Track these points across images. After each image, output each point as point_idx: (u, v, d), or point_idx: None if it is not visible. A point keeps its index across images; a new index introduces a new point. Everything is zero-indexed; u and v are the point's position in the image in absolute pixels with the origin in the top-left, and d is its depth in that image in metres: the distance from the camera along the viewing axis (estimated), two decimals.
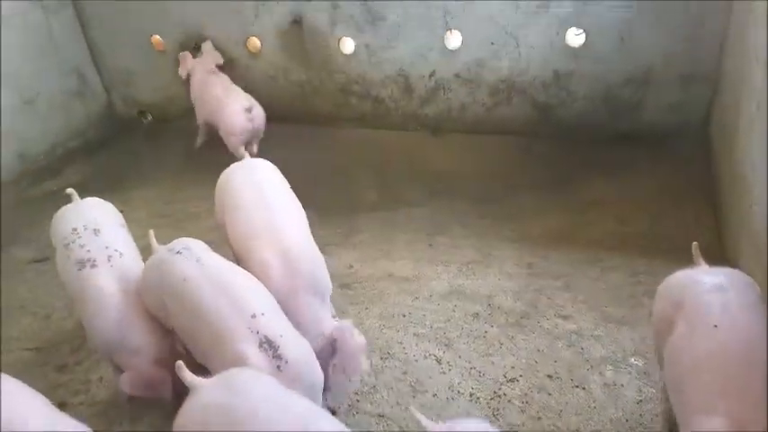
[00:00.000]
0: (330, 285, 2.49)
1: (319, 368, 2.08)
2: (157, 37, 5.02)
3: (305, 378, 2.01)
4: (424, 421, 1.70)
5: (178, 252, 2.27)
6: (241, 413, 1.65)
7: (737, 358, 1.69)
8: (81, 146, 4.98)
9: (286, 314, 2.24)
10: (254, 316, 2.04)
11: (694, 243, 2.12)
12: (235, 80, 5.00)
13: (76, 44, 5.02)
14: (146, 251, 2.71)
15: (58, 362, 2.83)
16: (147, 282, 2.33)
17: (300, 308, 2.32)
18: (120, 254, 2.47)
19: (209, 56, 4.62)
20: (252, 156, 4.11)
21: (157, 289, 2.26)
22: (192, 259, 2.23)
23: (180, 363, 1.87)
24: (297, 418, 1.65)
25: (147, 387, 2.31)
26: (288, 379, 1.92)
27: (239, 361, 1.93)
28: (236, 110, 4.14)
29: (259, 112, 4.18)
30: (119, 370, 2.50)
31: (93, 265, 2.40)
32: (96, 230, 2.51)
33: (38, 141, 4.69)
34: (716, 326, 1.76)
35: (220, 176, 2.84)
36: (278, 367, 1.96)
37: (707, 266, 2.05)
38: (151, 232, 2.55)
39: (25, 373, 2.75)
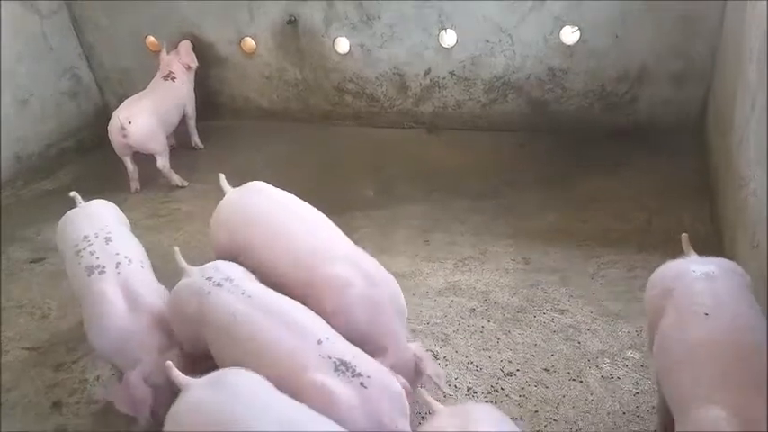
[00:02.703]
0: (404, 305, 2.32)
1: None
2: (152, 38, 5.02)
3: (391, 387, 1.90)
4: (434, 404, 1.72)
5: (218, 284, 2.14)
6: (229, 411, 1.65)
7: (727, 346, 1.69)
8: (75, 146, 4.98)
9: (370, 331, 2.16)
10: (320, 342, 1.95)
11: (684, 234, 2.14)
12: (230, 81, 5.04)
13: (70, 45, 5.02)
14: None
15: (55, 361, 2.82)
16: (181, 312, 2.20)
17: (387, 321, 2.21)
18: (129, 260, 2.45)
19: (169, 59, 4.53)
20: (163, 167, 4.17)
21: (196, 323, 2.13)
22: (237, 292, 2.11)
23: (169, 362, 1.85)
24: (287, 418, 1.65)
25: (127, 402, 2.21)
26: (375, 392, 1.84)
27: (319, 392, 1.82)
28: (112, 124, 4.07)
29: (133, 130, 3.99)
30: (118, 372, 2.48)
31: (102, 272, 2.38)
32: (107, 239, 2.51)
33: (32, 142, 4.69)
34: (706, 314, 1.77)
35: (221, 212, 2.62)
36: (361, 384, 1.85)
37: (696, 256, 2.06)
38: (176, 250, 2.39)
39: (22, 373, 2.76)
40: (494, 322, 2.80)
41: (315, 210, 2.54)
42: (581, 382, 2.46)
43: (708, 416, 1.58)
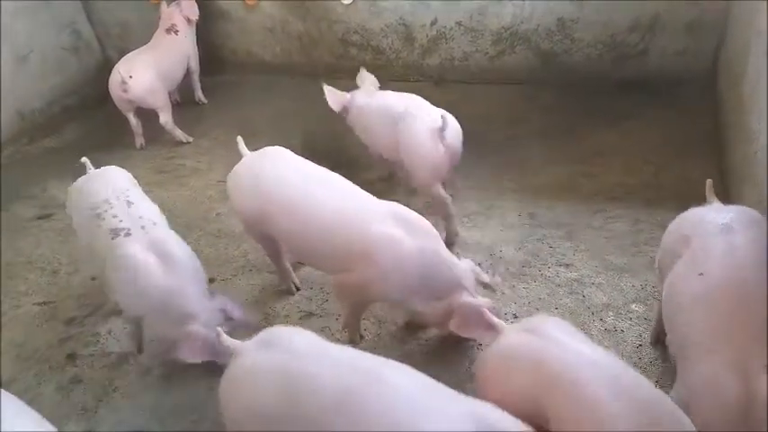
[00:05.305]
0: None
1: None
2: None
3: None
4: (500, 324, 1.78)
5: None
6: (292, 367, 1.64)
7: (733, 299, 1.70)
8: (78, 102, 4.93)
9: (426, 280, 2.20)
10: None
11: (708, 180, 2.13)
12: (232, 34, 4.94)
13: None
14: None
15: (67, 315, 2.87)
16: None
17: (445, 259, 2.25)
18: (154, 223, 2.45)
19: (170, 12, 4.40)
20: (166, 123, 4.09)
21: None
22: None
23: (219, 329, 1.87)
24: (352, 364, 1.64)
25: (205, 351, 2.21)
26: None
27: None
28: (113, 79, 4.00)
29: (133, 85, 3.94)
30: (137, 334, 2.57)
31: (128, 234, 2.37)
32: (129, 202, 2.49)
33: (34, 98, 4.64)
34: (718, 266, 1.77)
35: (240, 177, 2.57)
36: None
37: (719, 204, 2.05)
38: None
39: (34, 327, 2.82)
40: (499, 277, 2.81)
41: (336, 174, 2.50)
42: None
43: (709, 367, 1.60)
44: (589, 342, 1.72)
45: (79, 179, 2.72)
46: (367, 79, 3.42)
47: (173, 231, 2.52)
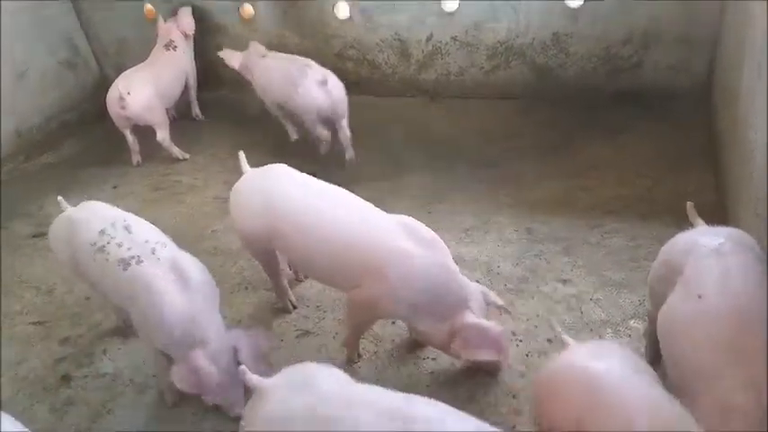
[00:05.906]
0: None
1: None
2: (150, 6, 4.92)
3: None
4: (567, 339, 1.84)
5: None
6: (324, 409, 1.56)
7: (735, 323, 1.68)
8: (76, 119, 4.93)
9: (438, 294, 2.18)
10: None
11: (689, 203, 2.12)
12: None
13: (67, 15, 4.92)
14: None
15: (62, 335, 2.85)
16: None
17: (455, 276, 2.24)
18: (163, 244, 2.31)
19: (168, 27, 4.44)
20: (163, 140, 4.12)
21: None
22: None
23: (243, 367, 1.77)
24: (382, 403, 1.57)
25: (194, 383, 2.13)
26: None
27: None
28: (111, 95, 4.00)
29: (131, 102, 3.93)
30: (165, 361, 2.33)
31: (140, 261, 2.23)
32: (127, 227, 2.34)
33: (32, 115, 4.64)
34: (713, 292, 1.75)
35: (245, 196, 2.54)
36: None
37: (705, 226, 2.04)
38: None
39: (29, 347, 2.79)
40: (497, 293, 2.80)
41: (342, 189, 2.48)
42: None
43: (723, 392, 1.58)
44: (648, 377, 1.68)
45: (60, 218, 2.54)
46: (257, 48, 4.20)
47: (184, 252, 2.38)
